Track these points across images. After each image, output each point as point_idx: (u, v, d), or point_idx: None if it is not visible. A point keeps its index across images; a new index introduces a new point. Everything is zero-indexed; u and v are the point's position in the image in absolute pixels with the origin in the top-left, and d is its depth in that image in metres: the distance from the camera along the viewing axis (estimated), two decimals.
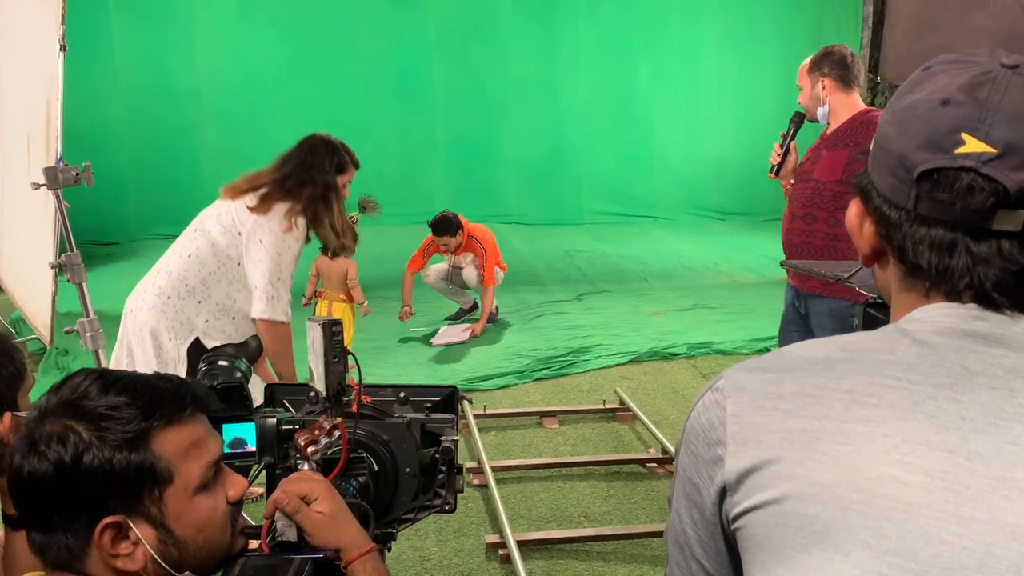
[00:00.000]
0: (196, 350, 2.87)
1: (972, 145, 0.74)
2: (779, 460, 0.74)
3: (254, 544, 1.16)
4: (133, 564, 1.02)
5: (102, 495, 1.00)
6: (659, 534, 3.14)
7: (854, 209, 0.85)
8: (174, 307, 2.90)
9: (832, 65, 3.21)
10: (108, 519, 1.00)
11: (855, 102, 3.20)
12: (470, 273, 5.99)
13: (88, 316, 2.99)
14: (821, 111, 3.22)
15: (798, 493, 0.72)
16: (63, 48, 4.00)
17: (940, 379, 0.73)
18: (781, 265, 2.84)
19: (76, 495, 0.99)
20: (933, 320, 0.77)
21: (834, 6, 10.80)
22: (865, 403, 0.73)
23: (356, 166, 3.11)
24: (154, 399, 1.03)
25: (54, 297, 4.76)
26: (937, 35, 6.86)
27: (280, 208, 2.92)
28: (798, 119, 3.28)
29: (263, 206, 2.91)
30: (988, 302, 0.76)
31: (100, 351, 3.01)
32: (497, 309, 6.29)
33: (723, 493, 0.78)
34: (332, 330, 1.30)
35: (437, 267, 6.17)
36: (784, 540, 0.72)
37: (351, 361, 1.34)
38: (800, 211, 3.15)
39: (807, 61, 3.29)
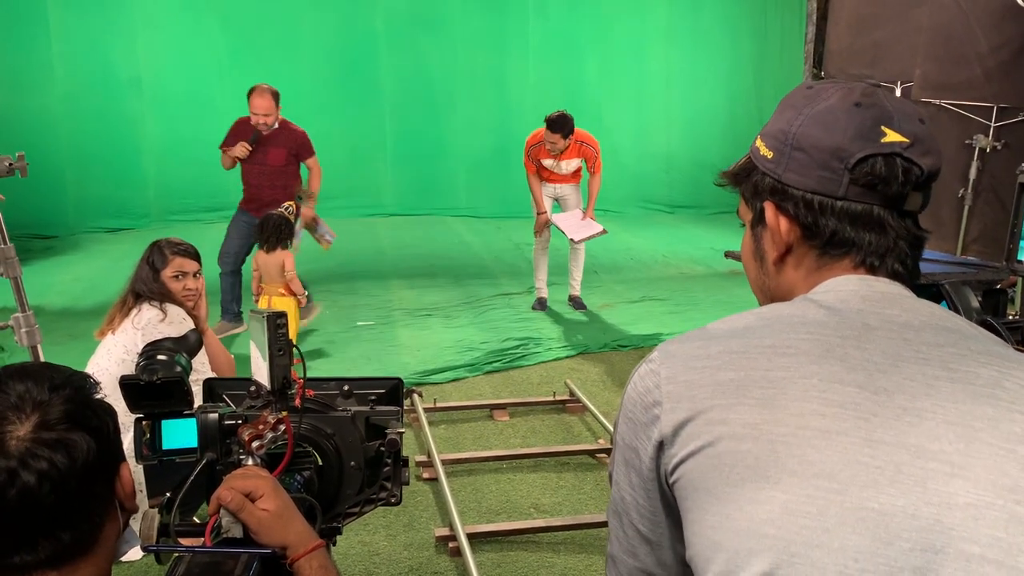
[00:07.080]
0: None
1: (892, 136, 0.87)
2: (711, 408, 0.82)
3: (199, 541, 1.14)
4: (131, 499, 1.07)
5: (114, 451, 1.04)
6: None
7: (770, 210, 0.94)
8: None
9: None
10: (121, 465, 1.05)
11: None
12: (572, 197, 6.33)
13: (23, 311, 2.90)
14: None
15: (730, 434, 0.80)
16: None
17: (845, 332, 0.84)
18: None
19: (103, 468, 1.01)
20: (836, 290, 0.89)
21: (778, 2, 10.94)
22: (784, 353, 0.83)
23: (179, 255, 3.24)
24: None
25: None
26: (878, 31, 7.03)
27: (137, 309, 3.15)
28: None
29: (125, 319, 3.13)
30: (890, 271, 0.90)
31: (37, 347, 2.93)
32: None
33: (660, 448, 0.85)
34: (276, 323, 1.27)
35: (542, 237, 6.25)
36: (719, 479, 0.80)
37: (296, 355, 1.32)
38: None
39: None
